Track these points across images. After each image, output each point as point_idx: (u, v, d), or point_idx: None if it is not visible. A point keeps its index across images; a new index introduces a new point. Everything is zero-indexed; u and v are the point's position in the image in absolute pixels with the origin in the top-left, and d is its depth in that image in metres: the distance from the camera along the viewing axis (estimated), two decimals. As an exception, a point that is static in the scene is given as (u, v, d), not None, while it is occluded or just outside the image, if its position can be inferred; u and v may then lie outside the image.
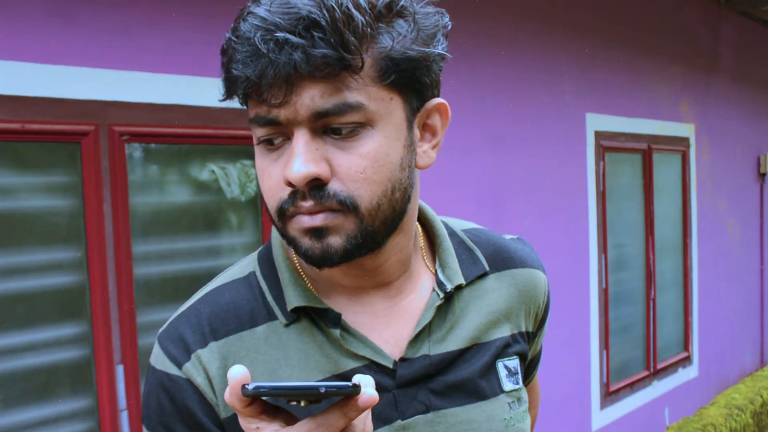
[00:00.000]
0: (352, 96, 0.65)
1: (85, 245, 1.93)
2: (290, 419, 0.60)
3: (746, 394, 4.95)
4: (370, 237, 0.70)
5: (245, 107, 0.70)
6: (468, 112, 2.98)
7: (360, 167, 0.67)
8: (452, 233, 0.87)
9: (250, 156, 2.30)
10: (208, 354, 0.73)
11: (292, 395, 0.55)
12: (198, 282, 0.89)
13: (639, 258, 4.31)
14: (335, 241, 0.68)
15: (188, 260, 2.19)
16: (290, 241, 0.70)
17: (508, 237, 0.93)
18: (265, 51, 0.62)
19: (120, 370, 1.98)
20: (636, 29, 4.11)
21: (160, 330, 0.77)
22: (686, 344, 4.78)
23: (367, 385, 0.57)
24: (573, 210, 3.67)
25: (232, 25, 0.67)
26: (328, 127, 0.66)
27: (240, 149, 2.28)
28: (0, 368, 1.83)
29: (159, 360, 0.75)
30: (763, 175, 5.82)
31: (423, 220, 0.85)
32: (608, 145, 3.89)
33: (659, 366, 4.43)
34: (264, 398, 0.58)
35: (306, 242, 0.69)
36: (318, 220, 0.67)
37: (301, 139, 0.66)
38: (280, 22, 0.62)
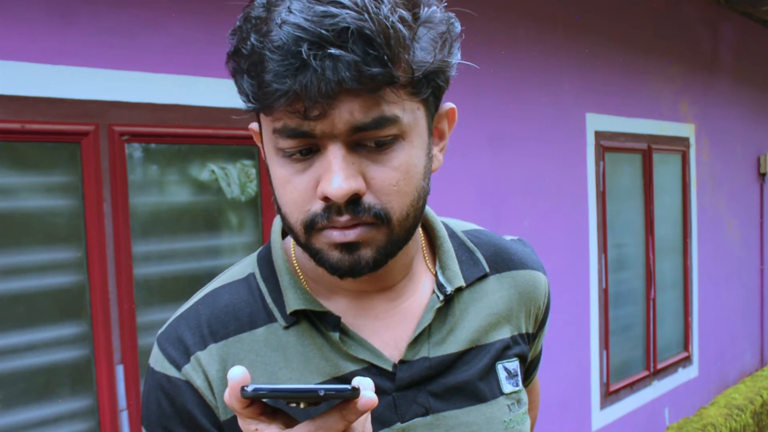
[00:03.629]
0: (389, 109, 0.64)
1: (85, 245, 1.93)
2: (289, 421, 0.60)
3: (746, 394, 4.95)
4: (396, 246, 0.70)
5: (255, 112, 0.68)
6: (468, 112, 2.98)
7: (393, 180, 0.67)
8: (452, 234, 0.86)
9: (250, 156, 2.30)
10: (208, 356, 0.73)
11: (290, 398, 0.55)
12: (198, 282, 0.89)
13: (639, 258, 4.31)
14: (366, 253, 0.68)
15: (188, 260, 2.19)
16: (315, 253, 0.69)
17: (508, 238, 0.93)
18: (317, 66, 0.60)
19: (120, 370, 1.98)
20: (636, 29, 4.11)
21: (159, 331, 0.77)
22: (686, 344, 4.78)
23: (366, 388, 0.57)
24: (573, 210, 3.67)
25: (256, 29, 0.63)
26: (363, 140, 0.65)
27: (240, 149, 2.28)
28: (0, 368, 1.83)
29: (158, 362, 0.75)
30: (763, 175, 5.82)
31: (423, 221, 0.85)
32: (608, 145, 3.89)
33: (659, 366, 4.43)
34: (263, 400, 0.58)
35: (335, 255, 0.68)
36: (352, 235, 0.67)
37: (338, 153, 0.64)
38: (325, 34, 0.60)
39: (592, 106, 3.78)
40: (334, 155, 0.64)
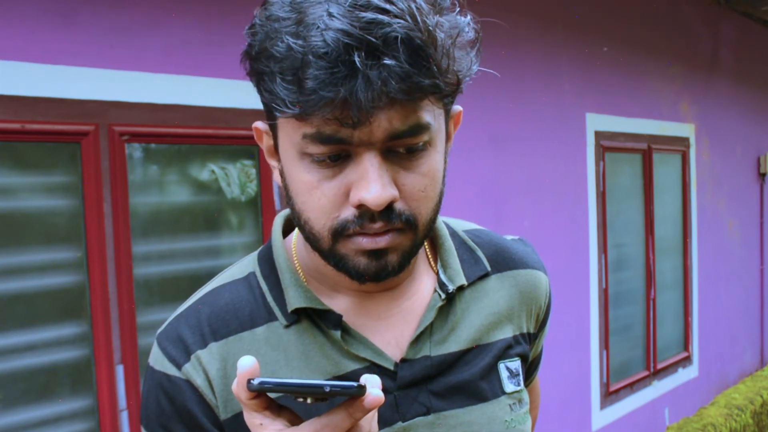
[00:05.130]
0: (424, 117, 0.64)
1: (85, 245, 1.93)
2: (294, 419, 0.60)
3: (746, 394, 4.95)
4: (417, 249, 0.71)
5: (277, 115, 0.65)
6: (468, 113, 2.97)
7: (421, 186, 0.67)
8: (453, 234, 0.87)
9: (250, 156, 2.30)
10: (208, 355, 0.73)
11: (296, 393, 0.55)
12: (198, 282, 0.89)
13: (639, 258, 4.31)
14: (392, 258, 0.68)
15: (188, 260, 2.19)
16: (339, 259, 0.69)
17: (509, 238, 0.92)
18: (370, 76, 0.58)
19: (120, 370, 1.98)
20: (636, 29, 4.11)
21: (159, 330, 0.77)
22: (686, 344, 4.78)
23: (373, 385, 0.57)
24: (573, 210, 3.67)
25: (290, 32, 0.61)
26: (395, 146, 0.65)
27: (240, 149, 2.28)
28: (0, 368, 1.83)
29: (158, 361, 0.74)
30: (763, 175, 5.82)
31: None
32: (608, 145, 3.89)
33: (659, 366, 4.43)
34: (269, 394, 0.58)
35: (362, 261, 0.68)
36: (383, 242, 0.67)
37: (374, 160, 0.64)
38: (376, 42, 0.58)
39: (592, 106, 3.77)
40: (371, 163, 0.63)
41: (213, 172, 2.23)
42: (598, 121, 3.80)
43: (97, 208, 1.93)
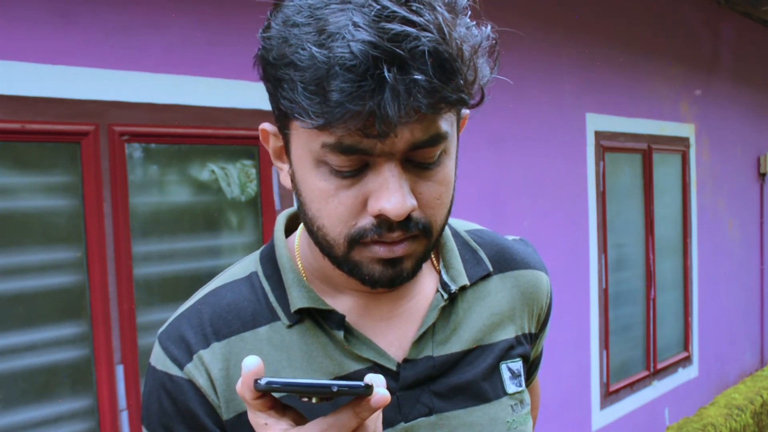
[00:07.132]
0: (443, 126, 0.64)
1: (85, 245, 1.93)
2: (299, 419, 0.60)
3: (746, 394, 4.95)
4: (429, 255, 0.71)
5: (297, 122, 0.63)
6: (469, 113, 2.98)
7: (437, 193, 0.67)
8: (455, 234, 0.86)
9: (250, 156, 2.30)
10: (210, 355, 0.73)
11: (303, 393, 0.55)
12: (198, 282, 0.88)
13: (639, 258, 4.31)
14: (407, 265, 0.68)
15: (188, 260, 2.19)
16: (354, 266, 0.68)
17: (510, 238, 0.92)
18: (399, 90, 0.57)
19: (120, 370, 1.98)
20: (636, 29, 4.11)
21: (160, 330, 0.77)
22: (686, 344, 4.78)
23: (378, 385, 0.57)
24: (573, 210, 3.67)
25: (312, 40, 0.59)
26: (414, 156, 0.64)
27: (240, 149, 2.28)
28: (0, 368, 1.83)
29: (160, 360, 0.74)
30: (763, 175, 5.82)
31: None
32: (608, 145, 3.89)
33: (659, 366, 4.43)
34: (275, 394, 0.58)
35: (377, 269, 0.68)
36: (399, 250, 0.67)
37: (394, 171, 0.63)
38: (404, 56, 0.57)
39: (592, 106, 3.77)
40: (392, 173, 0.63)
41: (213, 172, 2.23)
42: (598, 121, 3.80)
43: (97, 208, 1.93)
